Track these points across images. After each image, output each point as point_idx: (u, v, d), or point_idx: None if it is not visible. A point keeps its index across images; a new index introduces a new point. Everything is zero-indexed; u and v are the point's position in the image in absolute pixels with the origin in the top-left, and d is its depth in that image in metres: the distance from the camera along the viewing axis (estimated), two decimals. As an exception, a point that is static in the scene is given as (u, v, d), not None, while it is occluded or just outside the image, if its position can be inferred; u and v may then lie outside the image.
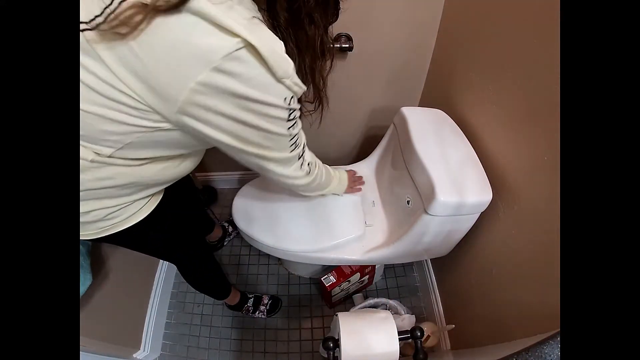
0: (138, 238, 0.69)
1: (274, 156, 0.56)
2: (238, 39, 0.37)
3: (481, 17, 0.81)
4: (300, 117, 0.55)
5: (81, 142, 0.46)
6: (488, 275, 0.87)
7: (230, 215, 1.08)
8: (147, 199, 0.64)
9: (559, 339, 0.44)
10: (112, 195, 0.55)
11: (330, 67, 0.58)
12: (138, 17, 0.35)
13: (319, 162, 0.78)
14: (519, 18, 0.67)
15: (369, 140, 1.40)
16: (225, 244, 1.48)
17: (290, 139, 0.55)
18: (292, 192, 0.76)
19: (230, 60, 0.38)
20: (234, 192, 1.13)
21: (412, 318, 1.03)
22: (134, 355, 1.11)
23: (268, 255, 1.40)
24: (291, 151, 0.57)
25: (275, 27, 0.45)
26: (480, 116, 0.87)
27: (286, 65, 0.43)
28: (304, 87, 0.49)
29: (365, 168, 1.20)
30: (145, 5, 0.35)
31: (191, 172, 0.68)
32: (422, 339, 0.66)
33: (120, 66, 0.39)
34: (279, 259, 1.41)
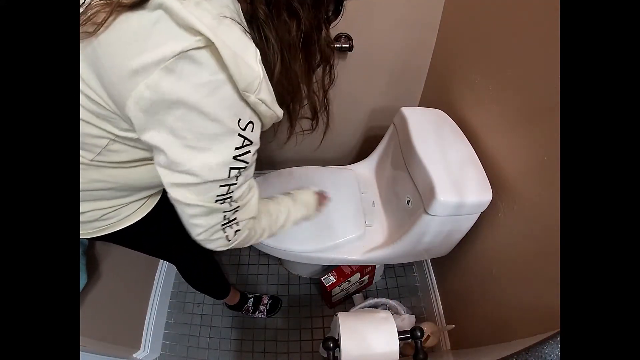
0: (135, 238, 0.69)
1: (194, 188, 0.42)
2: (198, 37, 0.33)
3: (481, 17, 0.81)
4: (249, 169, 0.44)
5: None
6: (488, 275, 0.87)
7: (230, 215, 1.08)
8: (143, 201, 0.63)
9: (559, 339, 0.44)
10: (107, 197, 0.54)
11: (330, 78, 0.50)
12: (103, 14, 0.34)
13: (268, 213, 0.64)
14: (519, 18, 0.67)
15: (369, 140, 1.40)
16: (225, 244, 1.48)
17: (224, 181, 0.41)
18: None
19: (183, 59, 0.33)
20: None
21: (412, 318, 1.03)
22: (134, 355, 1.11)
23: (268, 255, 1.40)
24: (218, 199, 0.43)
25: (257, 28, 0.39)
26: (480, 116, 0.87)
27: (251, 75, 0.36)
28: (277, 111, 0.41)
29: (365, 168, 1.20)
30: (111, 2, 0.34)
31: None
32: (422, 339, 0.66)
33: (86, 67, 0.37)
34: (279, 259, 1.41)
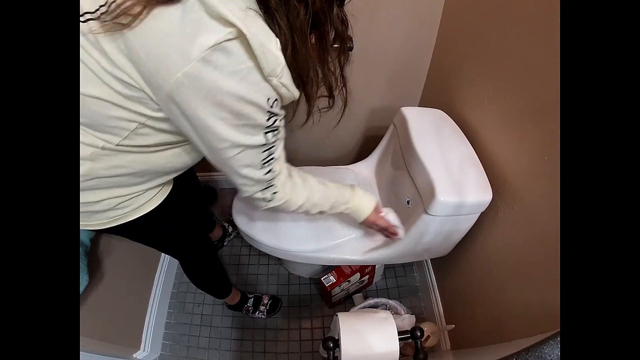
0: (145, 230, 0.69)
1: (239, 157, 0.50)
2: (230, 29, 0.37)
3: (481, 17, 0.81)
4: (281, 135, 0.51)
5: (92, 132, 0.47)
6: (488, 275, 0.87)
7: (230, 215, 1.08)
8: (158, 189, 0.64)
9: (559, 339, 0.44)
10: (124, 184, 0.55)
11: (345, 56, 0.53)
12: (138, 7, 0.36)
13: (310, 191, 0.69)
14: (519, 18, 0.67)
15: (369, 140, 1.40)
16: (225, 244, 1.48)
17: (263, 148, 0.50)
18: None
19: (218, 51, 0.37)
20: (234, 192, 1.12)
21: (412, 318, 1.03)
22: (134, 355, 1.11)
23: (268, 255, 1.40)
24: (262, 163, 0.52)
25: (270, 16, 0.42)
26: (480, 116, 0.87)
27: (275, 62, 0.41)
28: (295, 93, 0.46)
29: (365, 168, 1.21)
30: None
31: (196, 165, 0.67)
32: (422, 339, 0.66)
33: (119, 54, 0.40)
34: (279, 259, 1.41)
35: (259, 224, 1.02)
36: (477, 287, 0.95)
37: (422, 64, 1.13)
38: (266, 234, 1.00)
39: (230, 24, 0.36)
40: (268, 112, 0.45)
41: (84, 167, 0.49)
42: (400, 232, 0.86)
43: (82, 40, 0.41)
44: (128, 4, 0.36)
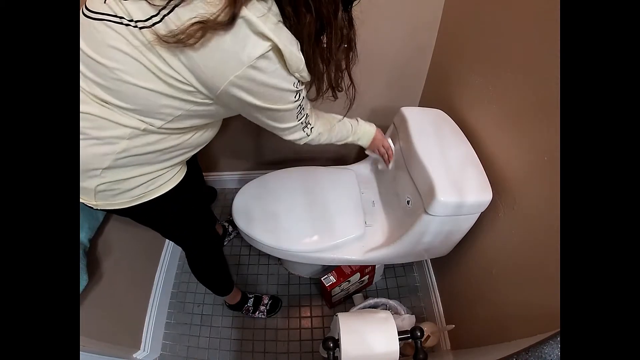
0: (162, 209, 0.73)
1: (283, 117, 0.65)
2: (269, 43, 0.47)
3: (481, 18, 0.81)
4: (303, 95, 0.64)
5: (138, 117, 0.54)
6: (488, 275, 0.87)
7: (230, 215, 1.08)
8: (178, 168, 0.71)
9: (559, 339, 0.44)
10: (152, 161, 0.62)
11: (353, 57, 0.62)
12: (200, 32, 0.44)
13: (329, 125, 0.83)
14: (519, 18, 0.67)
15: (369, 140, 1.39)
16: (225, 243, 1.48)
17: (296, 109, 0.64)
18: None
19: (262, 59, 0.49)
20: (234, 192, 1.13)
21: (412, 318, 1.02)
22: (134, 355, 1.11)
23: (268, 255, 1.40)
24: (297, 117, 0.67)
25: (287, 21, 0.51)
26: (480, 116, 0.87)
27: (298, 62, 0.52)
28: (308, 79, 0.58)
29: (365, 168, 1.21)
30: (205, 22, 0.44)
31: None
32: (422, 339, 0.66)
33: (177, 62, 0.48)
34: (279, 259, 1.41)
35: (259, 224, 1.02)
36: (477, 287, 0.95)
37: (422, 64, 1.13)
38: (266, 234, 1.00)
39: (269, 39, 0.47)
40: (295, 90, 0.58)
41: (121, 145, 0.55)
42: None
43: (136, 43, 0.47)
44: (193, 29, 0.44)
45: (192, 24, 0.44)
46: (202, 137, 0.69)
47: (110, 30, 0.48)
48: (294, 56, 0.51)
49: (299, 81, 0.57)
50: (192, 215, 0.86)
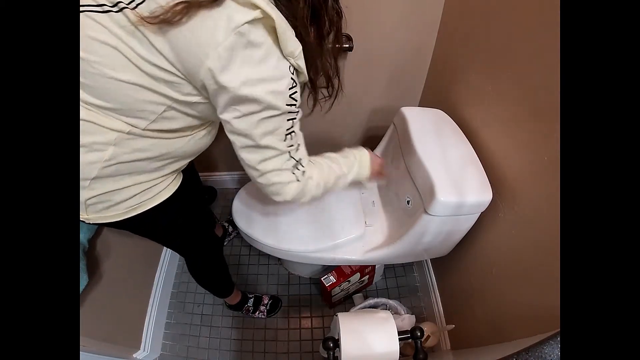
0: (154, 223, 0.71)
1: (267, 127, 0.55)
2: (258, 10, 0.44)
3: (481, 18, 0.81)
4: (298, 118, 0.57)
5: (120, 117, 0.51)
6: (488, 275, 0.87)
7: (230, 215, 1.08)
8: (172, 178, 0.68)
9: (559, 339, 0.44)
10: (143, 170, 0.59)
11: (340, 42, 0.59)
12: (185, 10, 0.42)
13: (318, 168, 0.73)
14: (519, 18, 0.67)
15: (369, 140, 1.40)
16: (225, 244, 1.48)
17: (288, 120, 0.56)
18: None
19: (249, 26, 0.44)
20: (234, 192, 1.13)
21: (412, 318, 1.03)
22: (134, 355, 1.11)
23: (268, 255, 1.40)
24: (285, 138, 0.58)
25: (279, 4, 0.48)
26: (480, 116, 0.87)
27: (294, 46, 0.49)
28: (305, 75, 0.55)
29: (365, 168, 1.20)
30: (190, 1, 0.42)
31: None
32: (422, 339, 0.66)
33: (161, 41, 0.45)
34: (279, 259, 1.41)
35: (259, 224, 1.02)
36: (477, 287, 0.95)
37: (422, 64, 1.13)
38: (266, 234, 1.00)
39: (258, 7, 0.43)
40: (290, 78, 0.51)
41: (108, 152, 0.52)
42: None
43: (117, 30, 0.45)
44: (178, 8, 0.41)
45: (177, 3, 0.42)
46: (195, 145, 0.64)
47: (90, 20, 0.45)
48: (288, 37, 0.47)
49: (295, 70, 0.52)
50: (189, 223, 0.84)
